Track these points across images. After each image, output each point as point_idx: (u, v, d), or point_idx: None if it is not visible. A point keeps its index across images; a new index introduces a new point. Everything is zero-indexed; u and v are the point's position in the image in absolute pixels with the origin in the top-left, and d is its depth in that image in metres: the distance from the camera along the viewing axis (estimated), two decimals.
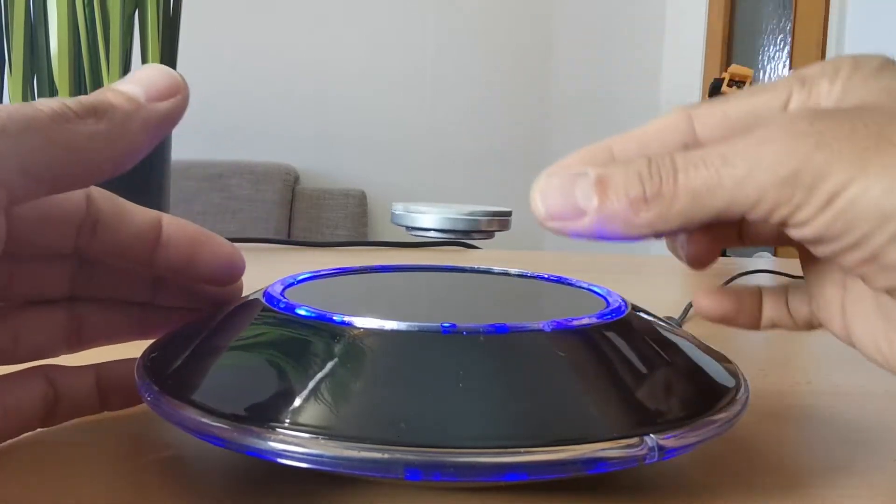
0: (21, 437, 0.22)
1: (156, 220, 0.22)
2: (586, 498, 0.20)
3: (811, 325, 0.24)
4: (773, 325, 0.25)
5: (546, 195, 0.19)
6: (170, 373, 0.20)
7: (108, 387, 0.23)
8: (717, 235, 0.24)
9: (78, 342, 0.24)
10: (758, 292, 0.25)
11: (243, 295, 0.26)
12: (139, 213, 0.22)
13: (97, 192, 0.21)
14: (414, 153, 2.46)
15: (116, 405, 0.24)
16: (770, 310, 0.25)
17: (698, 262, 0.23)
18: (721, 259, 0.89)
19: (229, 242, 0.24)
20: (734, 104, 0.21)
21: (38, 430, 0.23)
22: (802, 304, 0.24)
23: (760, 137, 0.18)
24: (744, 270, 0.66)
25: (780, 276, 0.67)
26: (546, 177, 0.20)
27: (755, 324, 0.25)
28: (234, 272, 0.24)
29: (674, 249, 0.24)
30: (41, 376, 0.22)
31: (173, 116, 0.20)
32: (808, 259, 0.23)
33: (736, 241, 0.25)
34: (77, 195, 0.21)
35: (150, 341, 0.24)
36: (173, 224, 0.23)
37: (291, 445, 0.17)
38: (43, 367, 0.22)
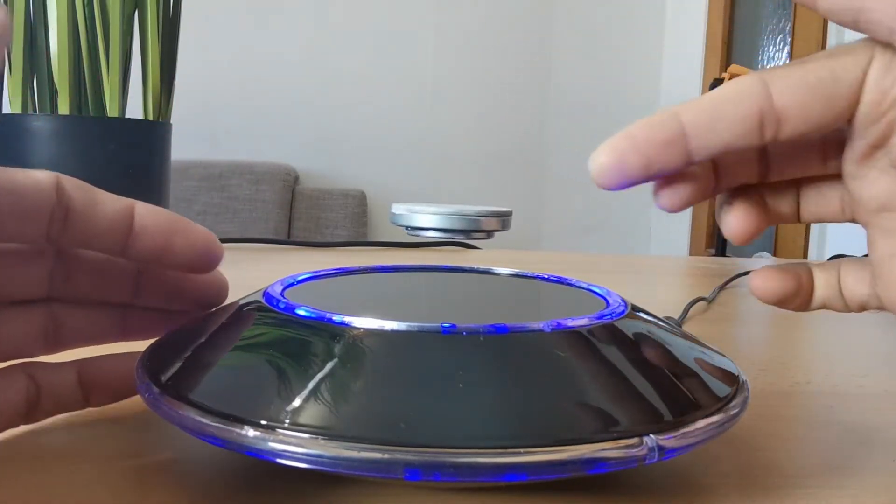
0: (20, 437, 0.22)
1: (128, 207, 0.22)
2: (586, 498, 0.20)
3: (865, 306, 0.23)
4: (824, 305, 0.24)
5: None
6: (169, 373, 0.20)
7: (90, 382, 0.23)
8: (770, 206, 0.23)
9: (56, 343, 0.23)
10: (809, 271, 0.23)
11: (243, 295, 0.26)
12: (111, 201, 0.22)
13: (67, 181, 0.21)
14: (414, 153, 2.46)
15: (100, 401, 0.24)
16: (822, 288, 0.23)
17: (741, 231, 0.22)
18: (720, 259, 0.89)
19: (205, 229, 0.23)
20: (813, 68, 0.20)
21: (23, 426, 0.23)
22: (860, 283, 0.23)
23: None
24: (744, 270, 0.66)
25: None
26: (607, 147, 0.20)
27: (807, 304, 0.24)
28: (210, 259, 0.23)
29: (718, 214, 0.24)
30: (22, 373, 0.22)
31: None
32: (881, 235, 0.22)
33: (791, 211, 0.23)
34: (46, 185, 0.20)
35: (149, 342, 0.24)
36: (147, 211, 0.22)
37: (291, 446, 0.17)
38: (23, 364, 0.22)
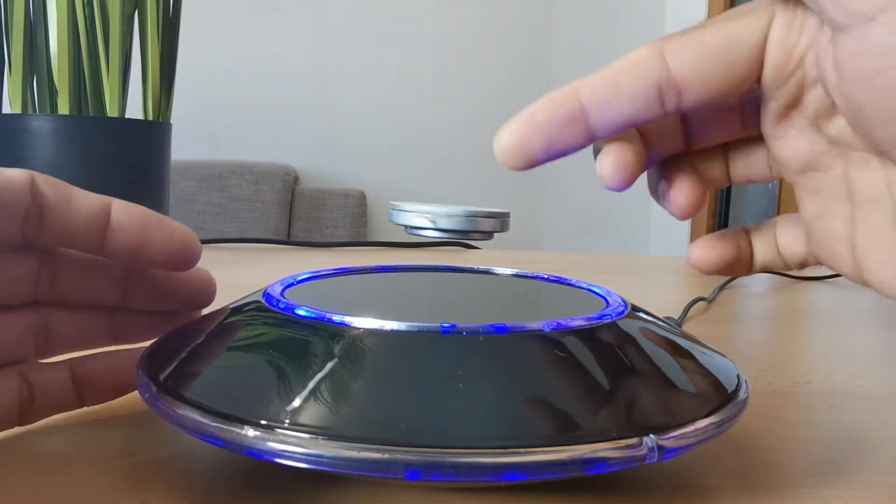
0: (18, 438, 0.22)
1: (104, 203, 0.22)
2: (586, 498, 0.20)
3: (804, 263, 0.23)
4: (765, 268, 0.23)
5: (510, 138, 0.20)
6: (169, 373, 0.20)
7: (83, 381, 0.23)
8: (702, 173, 0.23)
9: (47, 348, 0.23)
10: (746, 235, 0.23)
11: (243, 295, 0.26)
12: (86, 198, 0.22)
13: (41, 179, 0.21)
14: (413, 153, 2.46)
15: (94, 399, 0.24)
16: (761, 251, 0.23)
17: (687, 204, 0.22)
18: None
19: (182, 226, 0.23)
20: (710, 32, 0.19)
21: (17, 428, 0.23)
22: (795, 241, 0.22)
23: None
24: None
25: (777, 275, 0.67)
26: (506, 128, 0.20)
27: (748, 268, 0.23)
28: (188, 255, 0.23)
29: (656, 195, 0.23)
30: (14, 373, 0.22)
31: None
32: (808, 195, 0.21)
33: (722, 175, 0.23)
34: (19, 183, 0.20)
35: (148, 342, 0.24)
36: (122, 207, 0.22)
37: (291, 446, 0.17)
38: (16, 365, 0.22)
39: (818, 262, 0.22)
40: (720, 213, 1.80)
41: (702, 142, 0.23)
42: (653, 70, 0.19)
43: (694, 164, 0.23)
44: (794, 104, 0.20)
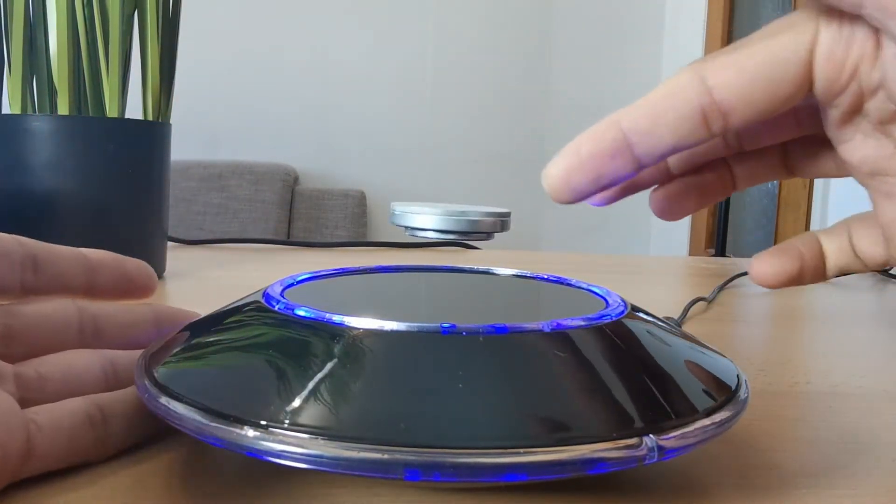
0: None
1: (77, 249, 0.24)
2: (586, 498, 0.20)
3: (889, 263, 0.21)
4: (842, 272, 0.22)
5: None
6: (169, 373, 0.20)
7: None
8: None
9: (9, 349, 0.23)
10: (816, 241, 0.22)
11: (244, 295, 0.26)
12: (62, 247, 0.24)
13: (21, 237, 0.23)
14: (413, 154, 2.46)
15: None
16: (836, 257, 0.22)
17: (669, 208, 0.22)
18: (720, 259, 0.89)
19: (138, 260, 0.26)
20: (750, 53, 0.18)
21: None
22: (875, 245, 0.21)
23: None
24: (744, 271, 0.66)
25: None
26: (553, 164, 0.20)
27: (821, 276, 0.22)
28: (152, 280, 0.26)
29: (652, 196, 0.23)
30: (81, 402, 0.21)
31: None
32: (882, 198, 0.20)
33: (778, 167, 0.23)
34: (5, 236, 0.22)
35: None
36: (94, 251, 0.25)
37: (291, 446, 0.17)
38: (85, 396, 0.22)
39: None
40: (720, 212, 1.80)
41: (753, 144, 0.22)
42: (694, 95, 0.19)
43: (736, 164, 0.23)
44: (854, 111, 0.19)
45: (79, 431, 0.20)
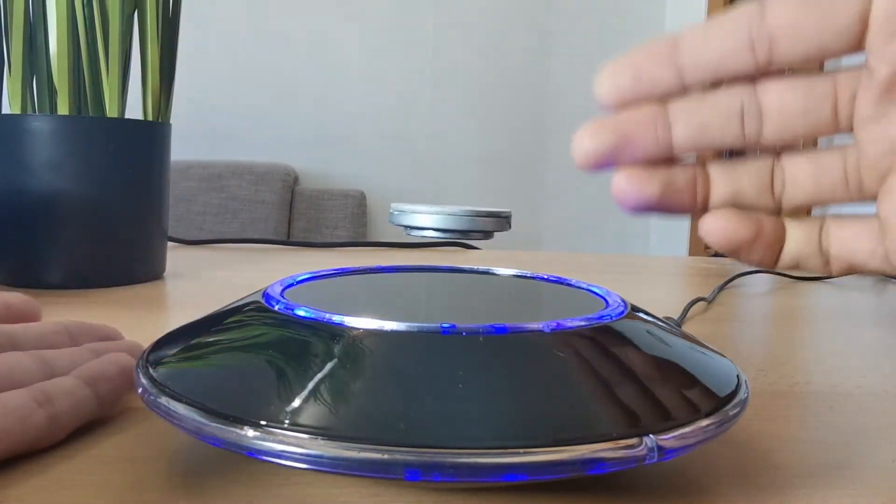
0: None
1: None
2: (586, 498, 0.20)
3: (854, 268, 0.20)
4: (796, 264, 0.20)
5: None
6: (169, 373, 0.20)
7: (93, 381, 0.24)
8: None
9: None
10: (781, 223, 0.20)
11: (243, 296, 0.26)
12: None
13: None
14: (413, 154, 2.46)
15: (109, 399, 0.24)
16: (797, 244, 0.20)
17: (628, 185, 0.20)
18: (719, 259, 0.89)
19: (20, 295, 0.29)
20: None
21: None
22: (857, 239, 0.20)
23: None
24: (743, 271, 0.66)
25: (782, 276, 0.67)
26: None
27: (772, 259, 0.20)
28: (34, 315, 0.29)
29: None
30: (26, 393, 0.22)
31: None
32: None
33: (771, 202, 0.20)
34: None
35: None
36: None
37: (290, 446, 0.17)
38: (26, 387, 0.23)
39: (876, 268, 0.20)
40: None
41: (777, 130, 0.19)
42: (747, 16, 0.19)
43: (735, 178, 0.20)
44: None
45: (27, 411, 0.21)
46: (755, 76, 0.19)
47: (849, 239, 0.20)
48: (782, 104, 0.19)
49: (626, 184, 0.20)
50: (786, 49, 0.18)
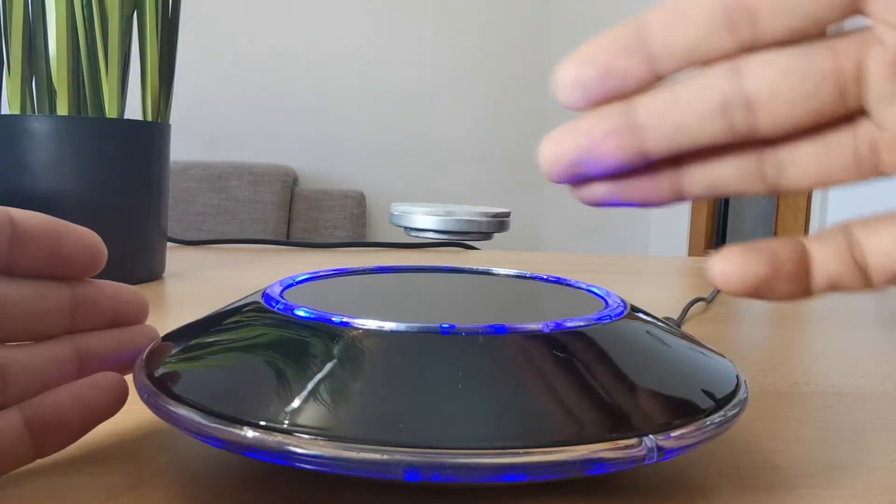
0: None
1: (3, 213, 0.19)
2: (586, 499, 0.20)
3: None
4: (833, 286, 0.17)
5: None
6: (168, 373, 0.20)
7: (42, 423, 0.19)
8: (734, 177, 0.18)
9: (6, 392, 0.20)
10: (799, 245, 0.17)
11: (242, 296, 0.26)
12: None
13: None
14: (413, 154, 2.46)
15: (54, 444, 0.20)
16: (828, 266, 0.17)
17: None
18: None
19: (86, 229, 0.22)
20: None
21: None
22: (885, 252, 0.16)
23: None
24: None
25: None
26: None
27: (804, 286, 0.17)
28: (98, 259, 0.22)
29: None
30: None
31: None
32: None
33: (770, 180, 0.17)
34: None
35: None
36: (27, 217, 0.20)
37: (290, 447, 0.17)
38: None
39: None
40: (719, 213, 1.80)
41: (773, 122, 0.17)
42: None
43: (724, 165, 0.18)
44: None
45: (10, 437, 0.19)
46: (737, 57, 0.16)
47: (889, 244, 0.16)
48: (773, 91, 0.16)
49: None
50: (770, 23, 0.16)
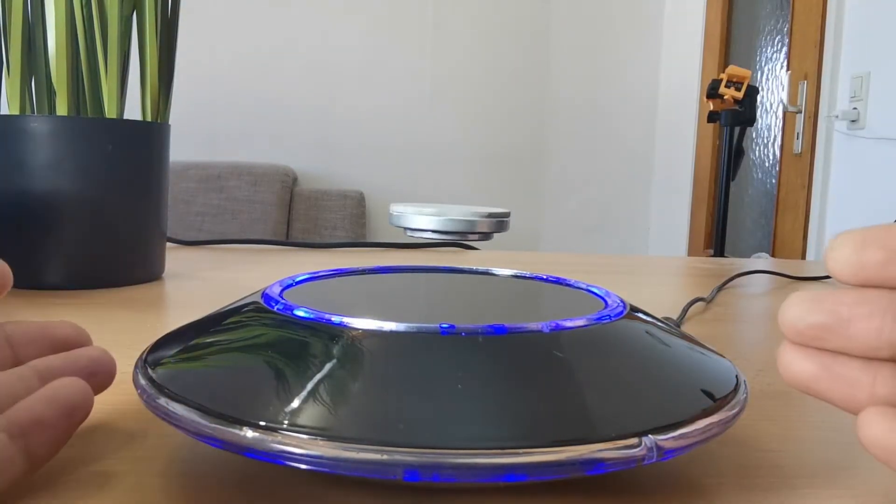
0: None
1: None
2: (585, 499, 0.20)
3: None
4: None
5: None
6: (168, 374, 0.20)
7: (20, 430, 0.19)
8: None
9: None
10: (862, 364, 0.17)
11: (243, 296, 0.26)
12: None
13: None
14: (412, 154, 2.46)
15: (41, 448, 0.19)
16: (888, 386, 0.17)
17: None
18: (718, 259, 0.89)
19: None
20: None
21: None
22: None
23: None
24: (742, 271, 0.66)
25: (780, 276, 0.67)
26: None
27: (857, 404, 0.18)
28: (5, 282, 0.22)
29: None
30: None
31: None
32: None
33: None
34: None
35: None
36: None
37: (290, 447, 0.17)
38: None
39: None
40: (719, 213, 1.79)
41: None
42: None
43: None
44: None
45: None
46: None
47: None
48: None
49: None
50: None
